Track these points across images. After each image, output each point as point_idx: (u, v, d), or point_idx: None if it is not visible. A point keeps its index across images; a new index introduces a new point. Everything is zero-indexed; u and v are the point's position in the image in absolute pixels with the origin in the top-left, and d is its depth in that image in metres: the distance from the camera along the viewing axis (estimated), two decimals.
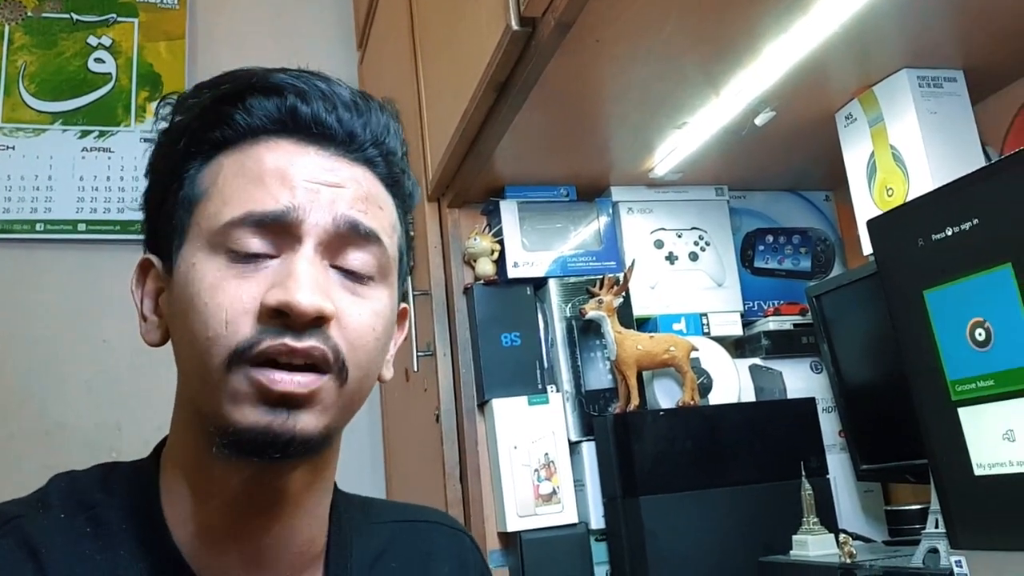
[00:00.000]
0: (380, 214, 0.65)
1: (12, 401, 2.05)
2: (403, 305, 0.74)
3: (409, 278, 1.70)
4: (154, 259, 0.66)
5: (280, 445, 0.57)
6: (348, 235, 0.61)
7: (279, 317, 0.57)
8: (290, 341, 0.57)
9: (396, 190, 0.69)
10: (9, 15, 2.27)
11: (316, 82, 0.64)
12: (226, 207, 0.60)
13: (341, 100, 0.64)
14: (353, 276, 0.62)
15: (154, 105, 0.67)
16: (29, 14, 2.29)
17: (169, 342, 0.65)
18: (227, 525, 0.62)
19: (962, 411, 0.84)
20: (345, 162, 0.64)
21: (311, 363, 0.58)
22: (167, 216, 0.64)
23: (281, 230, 0.59)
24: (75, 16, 2.32)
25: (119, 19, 2.35)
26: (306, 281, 0.58)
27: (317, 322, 0.58)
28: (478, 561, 0.82)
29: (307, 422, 0.58)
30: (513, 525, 1.38)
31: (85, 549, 0.60)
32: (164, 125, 0.66)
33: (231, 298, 0.58)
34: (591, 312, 1.41)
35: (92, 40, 2.31)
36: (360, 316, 0.61)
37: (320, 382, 0.58)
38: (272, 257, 0.60)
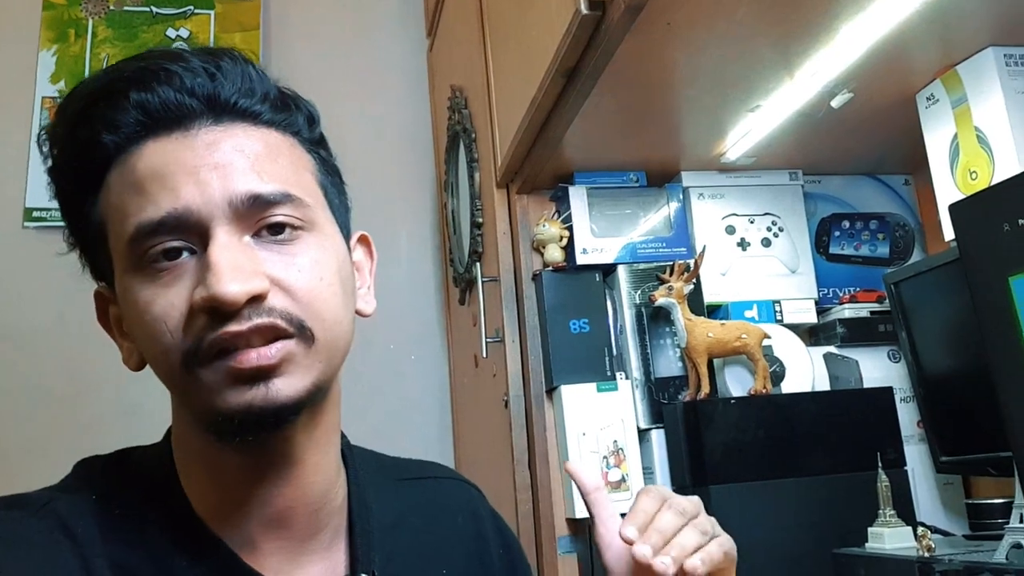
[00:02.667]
0: (278, 167, 0.62)
1: (92, 383, 2.12)
2: (360, 233, 0.73)
3: (478, 264, 1.72)
4: (105, 290, 0.67)
5: (267, 418, 0.58)
6: (253, 207, 0.60)
7: (213, 312, 0.57)
8: (232, 327, 0.57)
9: (291, 128, 0.66)
10: (93, 9, 2.35)
11: (159, 62, 0.61)
12: (123, 225, 0.60)
13: (188, 69, 0.61)
14: (279, 237, 0.61)
15: None
16: (111, 8, 2.37)
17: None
18: (241, 496, 0.64)
19: None
20: (219, 131, 0.61)
21: (269, 337, 0.58)
22: (92, 250, 0.65)
23: (183, 228, 0.59)
24: (154, 9, 2.39)
25: (196, 11, 2.41)
26: (226, 270, 0.57)
27: (252, 302, 0.57)
28: (488, 510, 0.83)
29: (287, 387, 0.59)
30: (582, 511, 1.38)
31: (117, 527, 0.62)
32: (50, 163, 0.65)
33: (164, 308, 0.58)
34: (661, 299, 1.39)
35: (171, 32, 2.38)
36: (300, 273, 0.60)
37: (285, 347, 0.58)
38: (192, 253, 0.59)
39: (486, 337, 1.63)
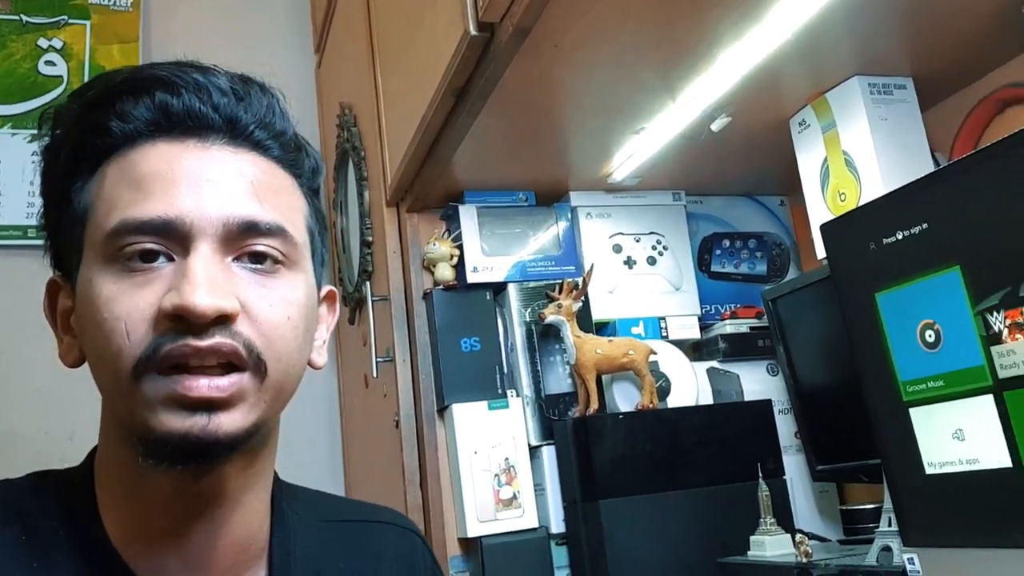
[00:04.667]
0: (277, 200, 0.62)
1: None
2: (329, 288, 0.73)
3: (368, 283, 1.70)
4: (60, 279, 0.65)
5: (203, 449, 0.56)
6: (245, 232, 0.59)
7: (178, 321, 0.55)
8: (193, 341, 0.55)
9: (295, 170, 0.66)
10: None
11: (190, 73, 0.61)
12: (108, 217, 0.58)
13: (217, 87, 0.61)
14: (259, 267, 0.60)
15: None
16: None
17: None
18: (163, 528, 0.61)
19: (913, 411, 0.86)
20: (230, 151, 0.61)
21: (224, 361, 0.56)
22: (63, 234, 0.63)
23: (170, 234, 0.58)
24: (24, 17, 2.27)
25: (70, 21, 2.31)
26: (202, 282, 0.56)
27: (220, 321, 0.56)
28: (429, 562, 0.81)
29: (230, 422, 0.57)
30: (474, 530, 1.37)
31: (21, 557, 0.59)
32: (46, 141, 0.64)
33: (128, 308, 0.56)
34: (550, 316, 1.41)
35: (43, 42, 2.27)
36: (271, 307, 0.60)
37: (239, 382, 0.57)
38: (170, 260, 0.58)
39: (376, 357, 1.61)
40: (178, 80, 0.60)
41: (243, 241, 0.59)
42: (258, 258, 0.60)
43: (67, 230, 0.62)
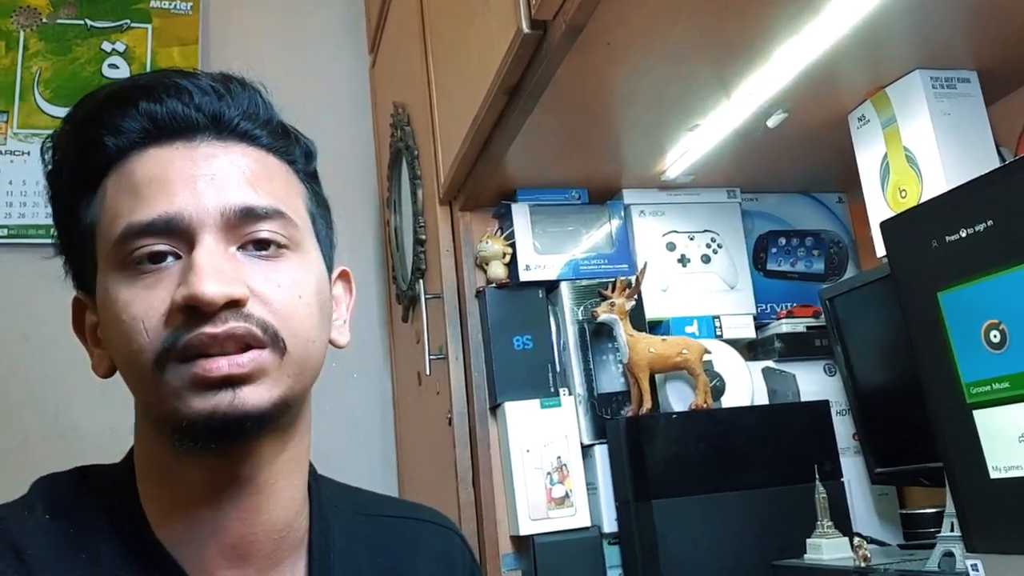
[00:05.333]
0: (273, 185, 0.64)
1: (27, 405, 2.06)
2: (342, 268, 0.74)
3: (421, 281, 1.71)
4: (83, 296, 0.67)
5: (233, 425, 0.58)
6: (243, 219, 0.61)
7: (192, 312, 0.57)
8: (208, 329, 0.57)
9: (288, 156, 0.68)
10: (24, 21, 2.29)
11: (172, 78, 0.64)
12: (113, 226, 0.61)
13: (197, 88, 0.64)
14: (264, 253, 0.62)
15: None
16: (44, 20, 2.31)
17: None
18: (201, 517, 0.63)
19: (977, 413, 0.84)
20: (219, 146, 0.63)
21: (242, 344, 0.58)
22: (78, 253, 0.66)
23: (173, 234, 0.60)
24: (89, 22, 2.34)
25: (133, 25, 2.36)
26: (208, 271, 0.58)
27: (231, 307, 0.58)
28: (467, 561, 0.81)
29: (255, 395, 0.58)
30: (526, 529, 1.38)
31: (70, 549, 0.61)
32: (49, 168, 0.67)
33: (144, 307, 0.59)
34: (603, 315, 1.40)
35: (106, 46, 2.33)
36: (280, 288, 0.61)
37: (258, 357, 0.59)
38: (178, 258, 0.60)
39: (429, 354, 1.62)
40: (159, 87, 0.63)
41: (244, 229, 0.61)
42: (262, 245, 0.62)
43: (80, 248, 0.65)
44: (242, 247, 0.62)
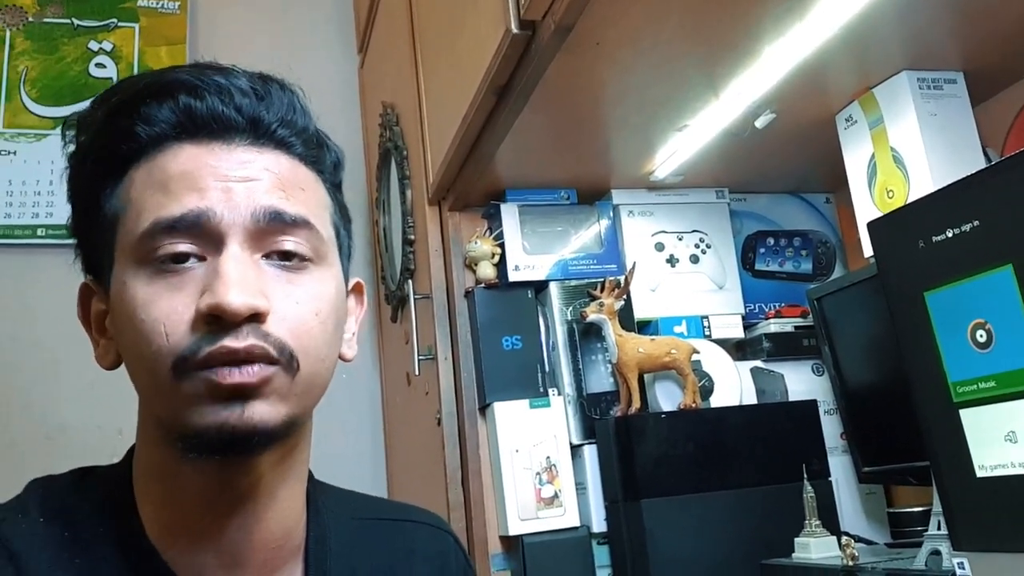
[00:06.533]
0: (304, 195, 0.64)
1: (14, 405, 2.05)
2: (356, 280, 0.74)
3: (410, 281, 1.71)
4: (92, 283, 0.66)
5: (241, 439, 0.57)
6: (273, 226, 0.61)
7: (215, 321, 0.57)
8: (229, 342, 0.57)
9: (318, 166, 0.67)
10: (10, 20, 2.28)
11: (211, 76, 0.63)
12: (139, 220, 0.60)
13: (238, 88, 0.63)
14: (287, 264, 0.61)
15: None
16: (30, 19, 2.30)
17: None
18: (201, 524, 0.62)
19: (964, 412, 0.84)
20: (255, 151, 0.62)
21: (257, 359, 0.58)
22: (95, 240, 0.64)
23: (200, 234, 0.59)
24: (76, 21, 2.33)
25: (120, 24, 2.35)
26: (235, 281, 0.57)
27: (253, 319, 0.57)
28: (462, 562, 0.81)
29: (264, 412, 0.58)
30: (515, 528, 1.38)
31: (64, 552, 0.60)
32: (72, 148, 0.65)
33: (166, 310, 0.58)
34: (592, 315, 1.41)
35: (93, 45, 2.32)
36: (299, 304, 0.61)
37: (269, 371, 0.58)
38: (201, 260, 0.59)
39: (418, 355, 1.62)
40: (200, 83, 0.62)
41: (271, 236, 0.61)
42: (286, 256, 0.61)
43: (97, 235, 0.64)
44: (266, 256, 0.61)
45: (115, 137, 0.62)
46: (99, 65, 2.30)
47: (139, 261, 0.59)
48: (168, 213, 0.59)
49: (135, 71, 2.31)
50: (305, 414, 0.64)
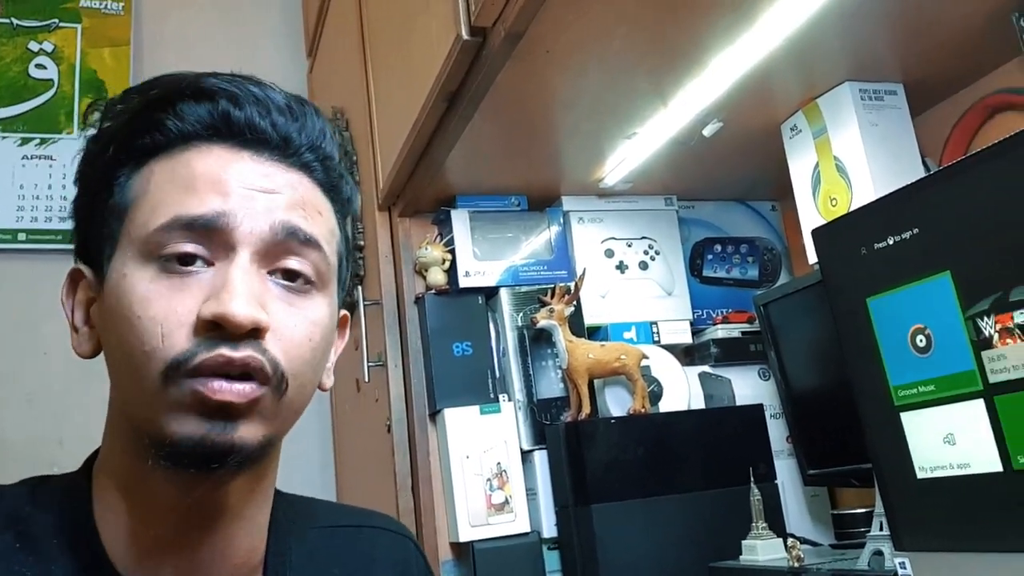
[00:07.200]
0: (319, 220, 0.64)
1: None
2: (343, 312, 0.73)
3: (360, 287, 1.70)
4: (85, 269, 0.65)
5: (218, 456, 0.56)
6: (286, 242, 0.60)
7: (215, 329, 0.56)
8: (226, 351, 0.56)
9: (334, 195, 0.68)
10: None
11: (249, 87, 0.63)
12: (155, 213, 0.59)
13: (275, 104, 0.63)
14: (291, 285, 0.61)
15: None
16: None
17: (102, 353, 0.63)
18: (163, 537, 0.61)
19: (904, 416, 0.86)
20: (281, 168, 0.63)
21: (249, 373, 0.57)
22: (97, 225, 0.63)
23: (214, 237, 0.58)
24: (15, 21, 2.27)
25: (61, 24, 2.30)
26: (241, 291, 0.56)
27: (253, 333, 0.57)
28: (422, 567, 0.81)
29: (246, 432, 0.57)
30: (465, 535, 1.37)
31: (14, 565, 0.59)
32: (93, 131, 0.65)
33: (165, 311, 0.56)
34: (542, 321, 1.41)
35: (33, 46, 2.26)
36: (297, 326, 0.60)
37: (259, 392, 0.57)
38: (208, 265, 0.58)
39: (368, 361, 1.60)
40: (239, 92, 0.62)
41: (281, 252, 0.60)
42: (290, 276, 0.61)
43: (102, 221, 0.62)
44: (271, 273, 0.60)
45: (144, 126, 0.62)
46: (39, 66, 2.25)
47: (145, 255, 0.58)
48: (189, 210, 0.58)
49: (77, 73, 2.26)
50: (281, 436, 0.63)
